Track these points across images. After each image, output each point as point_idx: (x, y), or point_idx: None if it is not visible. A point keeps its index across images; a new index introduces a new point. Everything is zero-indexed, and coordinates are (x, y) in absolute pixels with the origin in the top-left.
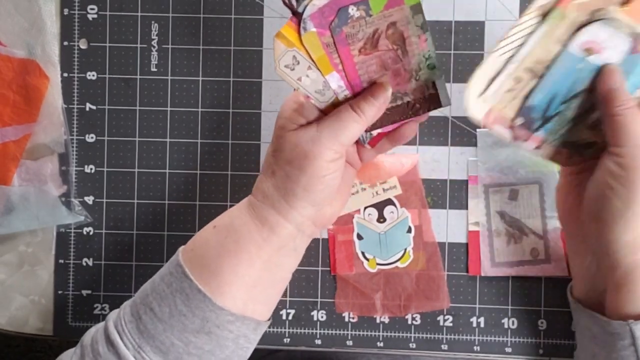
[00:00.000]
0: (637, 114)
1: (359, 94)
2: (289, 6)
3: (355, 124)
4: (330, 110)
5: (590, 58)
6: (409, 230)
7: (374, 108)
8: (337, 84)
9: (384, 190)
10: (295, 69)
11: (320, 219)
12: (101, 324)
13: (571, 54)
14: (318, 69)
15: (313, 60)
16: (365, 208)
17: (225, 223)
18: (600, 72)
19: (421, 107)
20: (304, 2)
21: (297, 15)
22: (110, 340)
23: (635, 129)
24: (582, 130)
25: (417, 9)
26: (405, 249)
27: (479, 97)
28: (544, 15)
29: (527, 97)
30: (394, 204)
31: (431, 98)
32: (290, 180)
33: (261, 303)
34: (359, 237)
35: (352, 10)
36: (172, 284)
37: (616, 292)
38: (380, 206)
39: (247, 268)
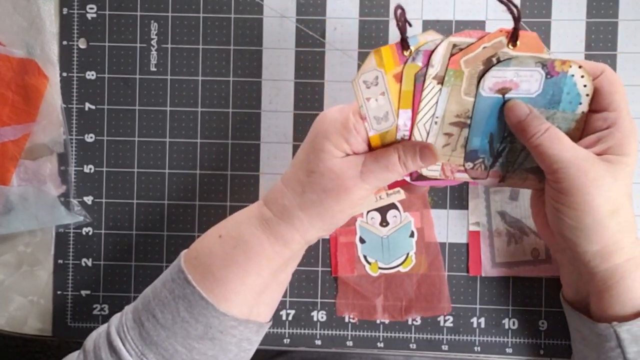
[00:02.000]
0: (554, 137)
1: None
2: (401, 30)
3: (397, 175)
4: (377, 141)
5: (509, 95)
6: (412, 235)
7: (416, 168)
8: (403, 122)
9: (387, 194)
10: (370, 89)
11: (326, 234)
12: (103, 328)
13: (486, 97)
14: (390, 99)
15: (393, 91)
16: (368, 212)
17: (233, 234)
18: (504, 111)
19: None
20: (421, 35)
21: (404, 43)
22: (113, 346)
23: (558, 151)
24: None
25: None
26: (408, 254)
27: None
28: (442, 82)
29: (465, 144)
30: (397, 208)
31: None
32: (323, 207)
33: (265, 306)
34: (362, 240)
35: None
36: (174, 291)
37: (598, 297)
38: (383, 210)
39: (255, 278)
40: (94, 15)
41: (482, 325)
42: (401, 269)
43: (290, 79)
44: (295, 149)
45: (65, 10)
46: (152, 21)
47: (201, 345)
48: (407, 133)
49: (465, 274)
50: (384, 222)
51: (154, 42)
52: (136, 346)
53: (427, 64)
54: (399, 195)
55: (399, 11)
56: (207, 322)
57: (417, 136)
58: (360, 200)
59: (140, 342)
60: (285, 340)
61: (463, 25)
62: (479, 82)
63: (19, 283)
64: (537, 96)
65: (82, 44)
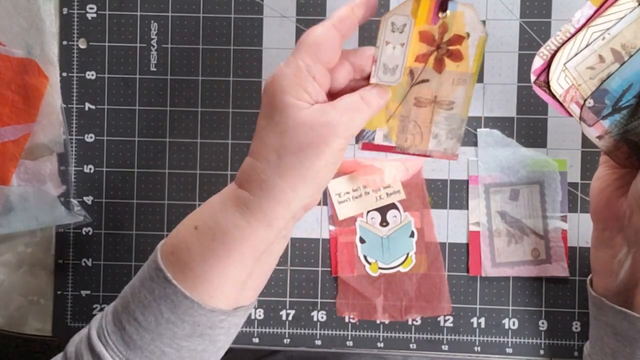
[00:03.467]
0: None
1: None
2: None
3: (366, 116)
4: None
5: None
6: (412, 235)
7: (382, 103)
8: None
9: (387, 194)
10: (394, 34)
11: (312, 203)
12: (84, 332)
13: None
14: (405, 54)
15: (413, 47)
16: (368, 212)
17: (210, 225)
18: None
19: None
20: (461, 5)
21: (443, 5)
22: (95, 352)
23: None
24: None
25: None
26: (408, 254)
27: (563, 65)
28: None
29: (604, 80)
30: (397, 208)
31: None
32: (303, 168)
33: (251, 290)
34: (362, 240)
35: None
36: (154, 291)
37: None
38: (383, 210)
39: (238, 270)
40: (94, 15)
41: (482, 325)
42: (401, 269)
43: None
44: None
45: (65, 10)
46: (152, 21)
47: (189, 343)
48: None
49: (465, 274)
50: (384, 222)
51: (154, 42)
52: (119, 351)
53: None
54: (399, 195)
55: None
56: (194, 321)
57: (579, 38)
58: (340, 152)
59: (124, 346)
60: (285, 340)
61: None
62: None
63: (19, 283)
64: None
65: (82, 44)
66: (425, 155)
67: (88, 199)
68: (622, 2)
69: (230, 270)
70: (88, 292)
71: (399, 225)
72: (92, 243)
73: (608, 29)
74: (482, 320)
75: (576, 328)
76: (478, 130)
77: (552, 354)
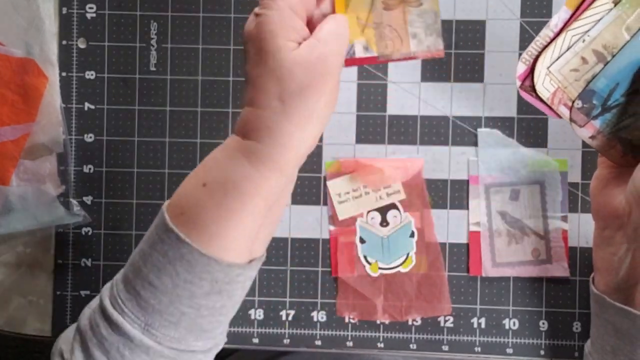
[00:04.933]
0: None
1: None
2: None
3: (348, 37)
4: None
5: None
6: (412, 235)
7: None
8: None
9: (387, 194)
10: None
11: (314, 144)
12: (94, 304)
13: (639, 44)
14: None
15: None
16: (369, 212)
17: (219, 180)
18: None
19: None
20: None
21: None
22: (112, 321)
23: None
24: (639, 129)
25: None
26: (408, 254)
27: (546, 69)
28: (616, 3)
29: (590, 81)
30: (397, 209)
31: None
32: (308, 107)
33: (262, 242)
34: (362, 240)
35: None
36: (167, 253)
37: None
38: (383, 210)
39: (253, 221)
40: (94, 15)
41: (483, 326)
42: (401, 269)
43: None
44: None
45: (64, 10)
46: (152, 21)
47: (208, 301)
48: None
49: (465, 274)
50: (384, 222)
51: (153, 42)
52: (137, 318)
53: None
54: (399, 195)
55: None
56: (212, 278)
57: (559, 43)
58: (338, 82)
59: (141, 312)
60: (285, 341)
61: (463, 25)
62: None
63: (18, 283)
64: None
65: (81, 43)
66: (410, 58)
67: (87, 199)
68: (597, 4)
69: (244, 223)
70: (87, 292)
71: (399, 225)
72: (91, 243)
73: (587, 31)
74: (483, 320)
75: (577, 328)
76: (478, 130)
77: (552, 355)
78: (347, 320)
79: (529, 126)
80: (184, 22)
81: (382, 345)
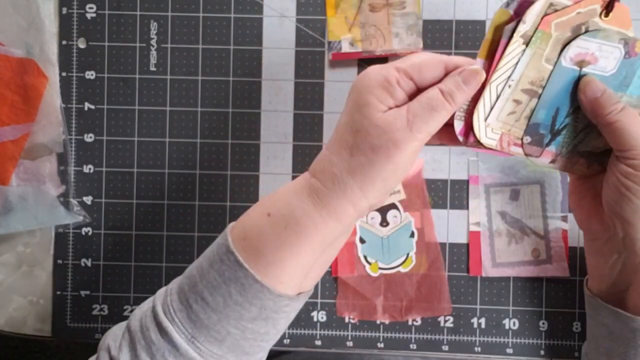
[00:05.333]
0: (631, 114)
1: None
2: None
3: (445, 113)
4: None
5: (585, 70)
6: (412, 235)
7: (465, 95)
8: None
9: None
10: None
11: (379, 204)
12: (146, 306)
13: (564, 67)
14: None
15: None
16: None
17: (283, 213)
18: (579, 87)
19: None
20: None
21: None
22: (162, 328)
23: (638, 127)
24: (595, 139)
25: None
26: (408, 254)
27: (484, 122)
28: (527, 42)
29: (530, 116)
30: (397, 209)
31: None
32: (373, 169)
33: (312, 279)
34: (362, 240)
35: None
36: (224, 273)
37: None
38: (383, 210)
39: (308, 259)
40: (94, 15)
41: (483, 326)
42: (401, 269)
43: (290, 79)
44: (295, 148)
45: (64, 10)
46: (152, 21)
47: (254, 325)
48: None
49: (465, 274)
50: (384, 222)
51: (153, 42)
52: (185, 329)
53: (519, 20)
54: (399, 195)
55: None
56: (261, 305)
57: (487, 96)
58: (412, 155)
59: (190, 324)
60: (285, 341)
61: (463, 25)
62: (562, 49)
63: (18, 283)
64: (611, 76)
65: (81, 43)
66: (392, 55)
67: (87, 199)
68: (509, 50)
69: (301, 259)
70: (87, 292)
71: (399, 225)
72: (91, 243)
73: (509, 77)
74: (483, 320)
75: (577, 328)
76: None
77: (552, 355)
78: (347, 320)
79: None
80: (184, 22)
81: (382, 345)
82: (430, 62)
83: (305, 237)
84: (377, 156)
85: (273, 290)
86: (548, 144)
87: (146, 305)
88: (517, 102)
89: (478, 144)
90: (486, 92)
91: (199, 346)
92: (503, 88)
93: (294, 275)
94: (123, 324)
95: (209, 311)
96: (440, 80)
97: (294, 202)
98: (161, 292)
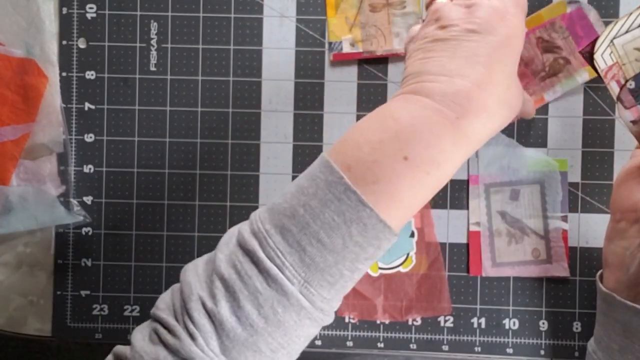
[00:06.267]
0: None
1: None
2: None
3: None
4: None
5: None
6: (412, 235)
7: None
8: None
9: None
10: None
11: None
12: (229, 247)
13: None
14: None
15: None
16: None
17: (424, 158)
18: None
19: None
20: None
21: None
22: (269, 274)
23: None
24: None
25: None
26: (408, 254)
27: (610, 41)
28: None
29: None
30: None
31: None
32: (490, 57)
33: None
34: None
35: None
36: (344, 213)
37: None
38: None
39: (425, 199)
40: (94, 15)
41: (483, 326)
42: (401, 269)
43: (290, 79)
44: (295, 148)
45: (64, 10)
46: (152, 21)
47: (364, 265)
48: None
49: (465, 274)
50: None
51: (153, 42)
52: (298, 273)
53: None
54: None
55: None
56: (379, 245)
57: (631, 18)
58: (521, 35)
59: (303, 268)
60: None
61: None
62: None
63: (18, 283)
64: None
65: (81, 43)
66: (393, 55)
67: (88, 199)
68: None
69: (421, 199)
70: (88, 292)
71: None
72: (91, 243)
73: None
74: (483, 320)
75: (577, 328)
76: None
77: (552, 355)
78: (347, 320)
79: (529, 126)
80: (184, 22)
81: (382, 345)
82: None
83: (443, 181)
84: (488, 34)
85: (394, 230)
86: None
87: (233, 247)
88: None
89: (589, 57)
90: (634, 14)
91: (312, 291)
92: None
93: (407, 216)
94: (176, 287)
95: (325, 253)
96: None
97: (437, 146)
98: (246, 230)
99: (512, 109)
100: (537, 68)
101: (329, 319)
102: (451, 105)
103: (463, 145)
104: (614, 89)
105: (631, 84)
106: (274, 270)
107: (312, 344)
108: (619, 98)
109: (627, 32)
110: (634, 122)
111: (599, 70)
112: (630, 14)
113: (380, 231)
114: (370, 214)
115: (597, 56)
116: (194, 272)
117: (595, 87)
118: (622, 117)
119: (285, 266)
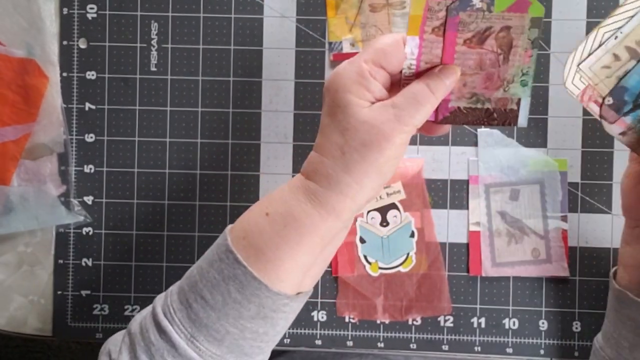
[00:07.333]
0: None
1: (420, 74)
2: None
3: (429, 106)
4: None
5: None
6: (412, 235)
7: (445, 89)
8: (410, 50)
9: (387, 194)
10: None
11: (375, 195)
12: (147, 310)
13: None
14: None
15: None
16: (369, 212)
17: (281, 211)
18: None
19: (497, 118)
20: None
21: None
22: (161, 328)
23: None
24: None
25: (536, 23)
26: (408, 254)
27: (577, 66)
28: None
29: (622, 77)
30: (397, 208)
31: (511, 113)
32: (367, 163)
33: (311, 278)
34: (362, 240)
35: (476, 0)
36: (223, 271)
37: None
38: (383, 210)
39: (307, 257)
40: (94, 15)
41: (483, 325)
42: (401, 269)
43: (290, 79)
44: (295, 148)
45: (65, 10)
46: (152, 21)
47: (252, 324)
48: (414, 62)
49: (465, 274)
50: (384, 222)
51: (154, 42)
52: (185, 328)
53: (453, 1)
54: (399, 195)
55: None
56: (260, 303)
57: (590, 40)
58: (402, 146)
59: (189, 323)
60: (285, 340)
61: None
62: None
63: (19, 283)
64: None
65: (82, 43)
66: None
67: (88, 199)
68: (630, 0)
69: (300, 257)
70: (88, 292)
71: (399, 225)
72: (92, 243)
73: (619, 28)
74: (483, 320)
75: (576, 328)
76: (478, 130)
77: (552, 354)
78: (347, 319)
79: (529, 126)
80: (184, 22)
81: (382, 345)
82: (390, 43)
83: (305, 235)
84: (369, 150)
85: (271, 287)
86: (626, 114)
87: (146, 310)
88: (616, 57)
89: (455, 114)
90: (591, 36)
91: (199, 346)
92: (609, 38)
93: (293, 274)
94: (124, 331)
95: (208, 309)
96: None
97: (292, 202)
98: (161, 295)
99: (380, 187)
100: (496, 69)
101: None
102: (310, 176)
103: (318, 206)
104: (593, 109)
105: (609, 100)
106: (165, 323)
107: (312, 344)
108: (601, 116)
109: (589, 54)
110: (622, 133)
111: (574, 97)
112: (587, 38)
113: (256, 288)
114: (244, 271)
115: (568, 84)
116: (120, 332)
117: None
118: (610, 132)
119: (174, 321)
